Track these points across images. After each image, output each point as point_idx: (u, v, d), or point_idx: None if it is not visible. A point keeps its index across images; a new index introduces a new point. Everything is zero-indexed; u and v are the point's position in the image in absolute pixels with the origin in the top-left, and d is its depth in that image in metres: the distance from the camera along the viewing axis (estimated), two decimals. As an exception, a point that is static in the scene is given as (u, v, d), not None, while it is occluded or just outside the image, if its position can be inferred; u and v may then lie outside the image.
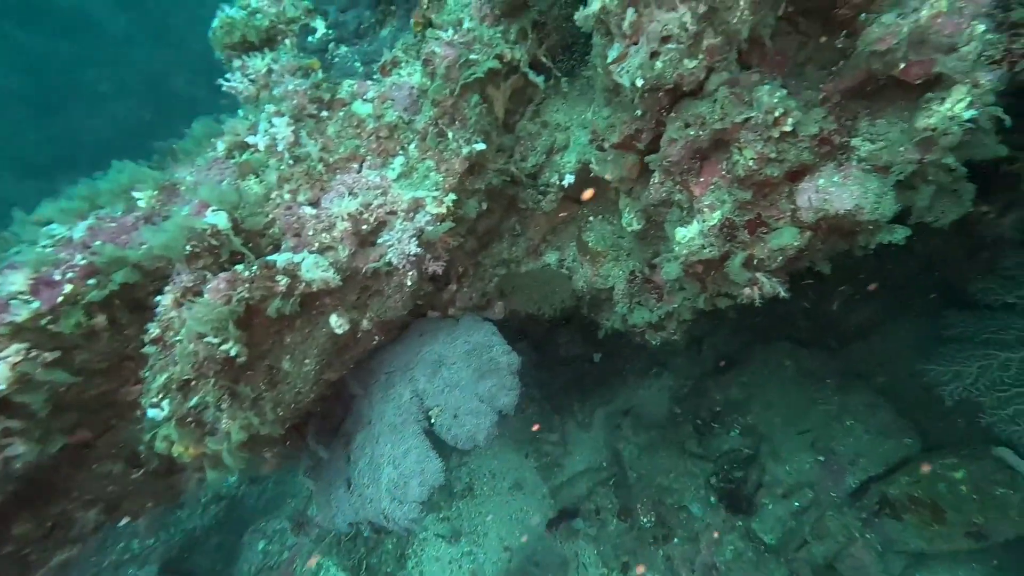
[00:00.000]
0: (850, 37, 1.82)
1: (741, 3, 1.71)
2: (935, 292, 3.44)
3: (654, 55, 1.89)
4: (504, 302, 3.27)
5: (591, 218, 3.08)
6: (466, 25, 2.36)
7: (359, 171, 2.35)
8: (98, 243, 2.06)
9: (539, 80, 2.51)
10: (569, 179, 2.75)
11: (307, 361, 2.39)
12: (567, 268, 3.19)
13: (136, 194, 2.20)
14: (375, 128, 2.39)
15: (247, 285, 1.95)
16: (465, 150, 2.43)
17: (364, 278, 2.33)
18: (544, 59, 2.48)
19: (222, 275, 1.92)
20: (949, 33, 1.59)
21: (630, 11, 1.81)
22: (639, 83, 1.95)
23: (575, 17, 1.93)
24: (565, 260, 3.19)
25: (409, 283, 2.48)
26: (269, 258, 2.07)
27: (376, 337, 2.61)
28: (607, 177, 2.52)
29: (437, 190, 2.44)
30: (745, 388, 4.61)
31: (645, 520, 4.19)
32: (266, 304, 2.06)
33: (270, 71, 2.31)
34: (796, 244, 2.11)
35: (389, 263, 2.32)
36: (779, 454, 4.27)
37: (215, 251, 1.98)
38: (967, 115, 1.68)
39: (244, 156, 2.28)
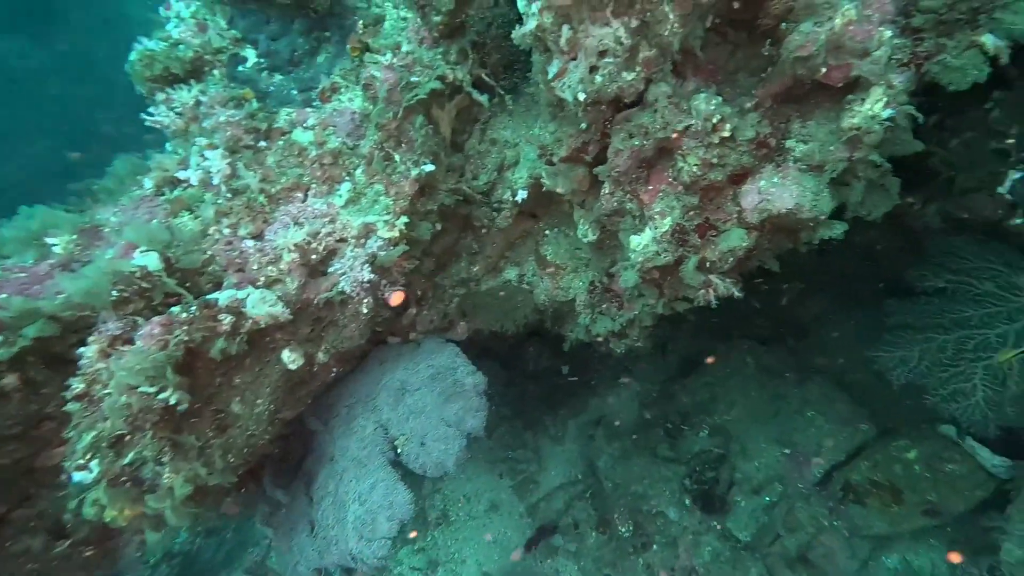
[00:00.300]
0: (775, 45, 1.91)
1: (671, 16, 1.76)
2: (877, 283, 3.62)
3: (593, 69, 1.93)
4: (466, 322, 3.23)
5: (548, 232, 3.09)
6: (405, 48, 2.34)
7: (304, 200, 2.28)
8: (3, 296, 1.89)
9: (483, 99, 2.51)
10: (522, 195, 2.75)
11: (259, 401, 2.26)
12: (527, 283, 3.18)
13: (51, 240, 2.04)
14: (318, 155, 2.32)
15: (185, 327, 1.83)
16: (414, 172, 2.40)
17: (317, 309, 2.24)
18: (487, 78, 2.49)
19: (156, 319, 1.80)
20: (861, 39, 1.69)
21: (565, 28, 1.84)
22: (581, 97, 1.98)
23: (513, 36, 1.95)
24: (525, 275, 3.18)
25: (365, 311, 2.41)
26: (209, 296, 1.95)
27: (334, 369, 2.50)
28: (559, 191, 2.54)
29: (388, 214, 2.39)
30: (710, 388, 4.69)
31: (623, 530, 4.16)
32: (209, 345, 1.94)
33: (198, 103, 2.22)
34: (745, 245, 2.18)
35: (342, 292, 2.25)
36: (747, 451, 4.35)
37: (146, 294, 1.85)
38: (886, 114, 1.78)
39: (176, 192, 2.17)
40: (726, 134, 1.99)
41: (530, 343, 4.92)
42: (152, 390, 1.73)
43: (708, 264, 2.27)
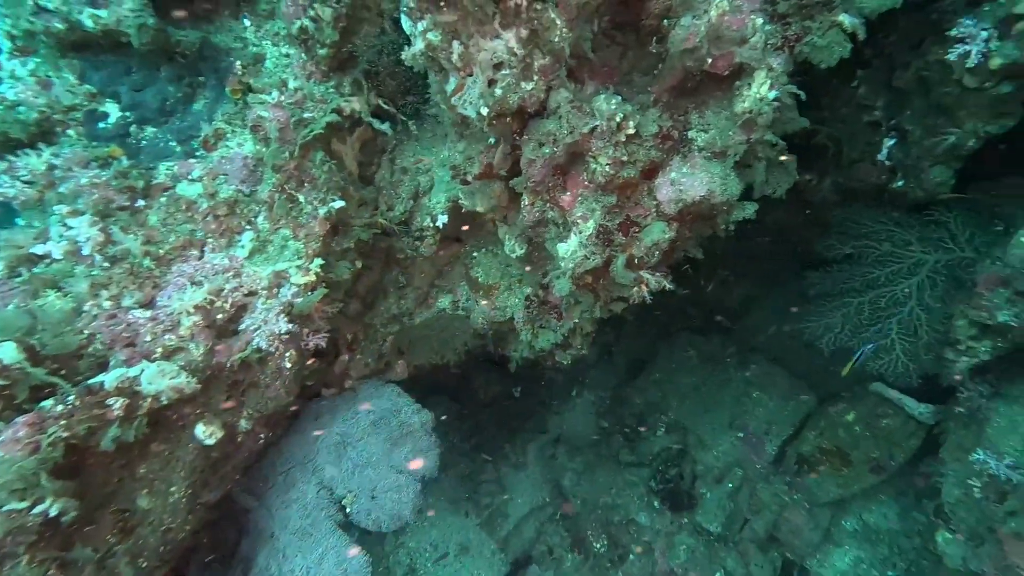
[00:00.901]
0: (661, 42, 1.97)
1: (559, 22, 1.77)
2: (793, 259, 3.83)
3: (492, 83, 1.90)
4: (405, 360, 3.05)
5: (476, 254, 3.01)
6: (293, 84, 2.22)
7: (201, 257, 2.05)
8: None
9: (385, 127, 2.42)
10: (442, 219, 2.66)
11: (173, 489, 1.97)
12: (463, 309, 3.07)
13: None
14: (211, 207, 2.12)
15: (63, 422, 1.55)
16: (322, 211, 2.24)
17: (232, 373, 2.01)
18: (386, 106, 2.41)
19: (20, 420, 1.51)
20: (736, 28, 1.77)
21: (455, 44, 1.79)
22: (484, 111, 1.94)
23: (402, 58, 1.88)
24: (459, 301, 3.06)
25: (288, 365, 2.19)
26: (92, 381, 1.68)
27: (262, 435, 2.25)
28: (479, 209, 2.48)
29: (300, 259, 2.21)
30: (659, 386, 4.75)
31: (598, 546, 4.05)
32: (98, 437, 1.66)
33: (51, 168, 1.97)
34: (667, 237, 2.20)
35: (258, 349, 2.03)
36: (704, 442, 4.41)
37: (5, 392, 1.56)
38: (772, 95, 1.87)
39: (36, 270, 1.89)
40: (631, 131, 2.02)
41: (477, 370, 4.78)
42: (23, 505, 1.43)
43: (637, 261, 2.27)
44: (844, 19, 1.77)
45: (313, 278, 2.15)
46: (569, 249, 2.29)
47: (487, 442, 4.90)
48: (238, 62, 2.20)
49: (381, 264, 2.77)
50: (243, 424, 2.07)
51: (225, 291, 1.96)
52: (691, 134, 2.14)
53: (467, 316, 3.03)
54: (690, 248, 2.44)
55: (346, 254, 2.40)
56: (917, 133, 2.45)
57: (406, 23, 1.79)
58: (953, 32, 2.03)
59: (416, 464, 2.38)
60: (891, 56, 2.49)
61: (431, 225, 2.68)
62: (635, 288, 2.38)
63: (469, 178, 2.31)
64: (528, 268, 2.79)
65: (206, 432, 1.96)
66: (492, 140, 2.15)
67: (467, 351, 3.44)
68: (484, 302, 2.98)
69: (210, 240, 2.09)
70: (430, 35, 1.75)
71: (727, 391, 4.48)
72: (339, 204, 2.25)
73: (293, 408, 2.51)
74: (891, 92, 2.54)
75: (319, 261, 2.18)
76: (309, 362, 2.32)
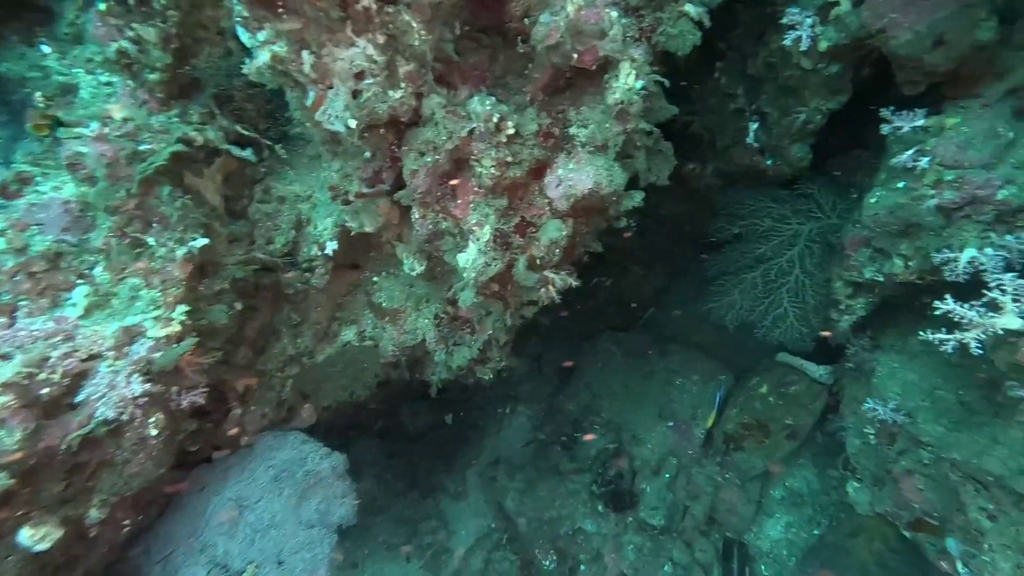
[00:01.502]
0: (527, 42, 1.96)
1: (415, 25, 1.69)
2: (692, 246, 4.01)
3: (356, 94, 1.78)
4: (311, 403, 2.77)
5: (376, 279, 2.83)
6: (121, 115, 1.95)
7: (11, 324, 1.71)
8: None
9: (247, 154, 2.20)
10: (332, 246, 2.47)
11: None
12: (370, 339, 2.86)
13: None
14: (21, 264, 1.79)
15: None
16: (181, 251, 1.98)
17: (70, 456, 1.66)
18: (246, 132, 2.19)
19: None
20: (594, 22, 1.79)
21: (305, 55, 1.66)
22: (352, 124, 1.81)
23: (245, 71, 1.71)
24: (365, 331, 2.85)
25: (155, 432, 1.87)
26: None
27: (127, 522, 1.89)
28: (368, 229, 2.32)
29: (157, 308, 1.92)
30: (589, 389, 4.75)
31: (548, 563, 3.91)
32: None
33: None
34: (564, 234, 2.17)
35: (106, 420, 1.70)
36: (638, 437, 4.44)
37: None
38: (639, 85, 1.91)
39: None
40: (511, 131, 1.98)
41: (402, 403, 4.52)
42: None
43: (538, 261, 2.22)
44: (689, 8, 1.85)
45: (178, 328, 1.87)
46: (469, 258, 2.20)
47: (422, 478, 4.63)
48: (38, 93, 1.90)
49: (269, 303, 2.50)
50: (94, 514, 1.72)
51: (52, 359, 1.63)
52: (572, 131, 2.15)
53: (376, 346, 2.83)
54: (589, 243, 2.44)
55: (221, 296, 2.14)
56: (775, 115, 2.65)
57: (243, 35, 1.63)
58: (784, 20, 2.22)
59: (331, 513, 2.13)
60: (741, 47, 2.69)
61: (320, 254, 2.48)
62: (542, 289, 2.33)
63: (351, 197, 2.15)
64: (432, 285, 2.65)
65: (35, 536, 1.60)
66: (368, 154, 2.01)
67: (380, 383, 3.22)
68: (392, 328, 2.79)
69: (23, 303, 1.75)
70: (274, 47, 1.60)
71: (653, 383, 4.58)
72: (201, 242, 1.99)
73: (173, 481, 2.16)
74: (748, 80, 2.74)
75: (183, 308, 1.90)
76: (186, 425, 2.01)
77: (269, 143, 2.25)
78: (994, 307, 1.85)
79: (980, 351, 1.89)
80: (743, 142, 2.87)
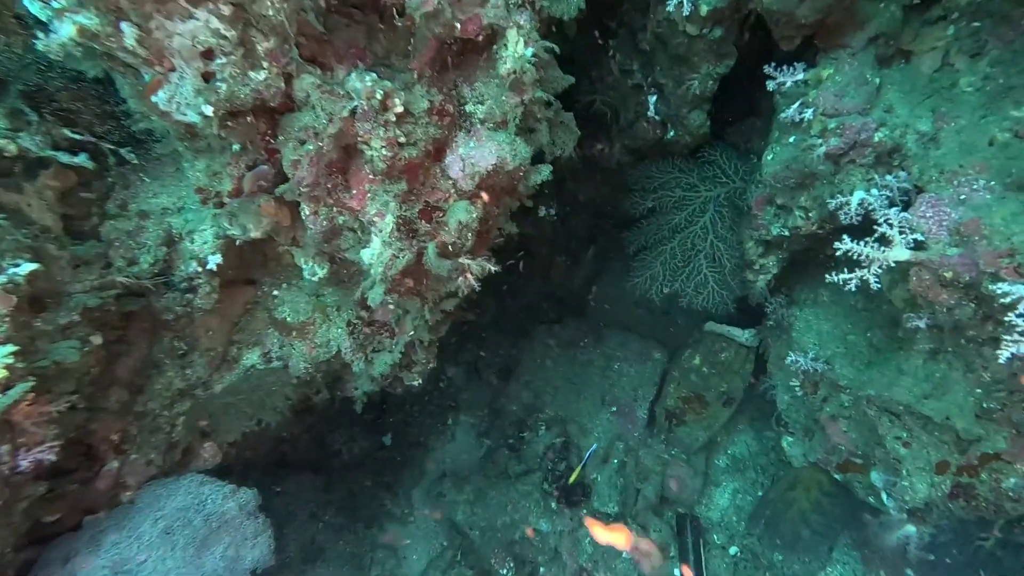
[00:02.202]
0: (404, 16, 1.83)
1: (267, -10, 1.51)
2: (613, 228, 4.04)
3: (207, 76, 1.56)
4: (212, 439, 2.44)
5: (276, 292, 2.56)
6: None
7: None
8: None
9: (81, 161, 1.89)
10: (215, 260, 2.19)
11: None
12: (278, 358, 2.57)
13: None
14: None
15: None
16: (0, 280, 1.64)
17: None
18: (77, 135, 1.89)
19: None
20: (473, -16, 1.70)
21: (126, 28, 1.42)
22: (208, 111, 1.59)
23: (40, 48, 1.42)
24: (271, 351, 2.57)
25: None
26: None
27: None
28: (255, 235, 2.08)
29: (-27, 351, 1.58)
30: (529, 386, 4.65)
31: (505, 571, 3.73)
32: None
33: None
34: (473, 215, 2.04)
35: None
36: (583, 427, 4.39)
37: None
38: (528, 52, 1.84)
39: None
40: (399, 109, 1.83)
41: (332, 429, 4.19)
42: None
43: (450, 247, 2.08)
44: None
45: (3, 373, 1.54)
46: (374, 253, 2.02)
47: (364, 507, 4.31)
48: None
49: (144, 333, 2.18)
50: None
51: None
52: (469, 108, 2.04)
53: (285, 366, 2.55)
54: (503, 225, 2.33)
55: (69, 331, 1.81)
56: (670, 85, 2.69)
57: (32, 5, 1.36)
58: (665, -11, 2.26)
59: (241, 558, 1.84)
60: (631, 23, 2.72)
61: (201, 271, 2.19)
62: (459, 279, 2.19)
63: (226, 199, 1.91)
64: (339, 290, 2.44)
65: None
66: (237, 147, 1.79)
67: (302, 410, 2.94)
68: (301, 344, 2.53)
69: None
70: (80, 17, 1.35)
71: (592, 371, 4.55)
72: (28, 268, 1.67)
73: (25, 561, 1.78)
74: (641, 54, 2.78)
75: (10, 348, 1.58)
76: (31, 490, 1.67)
77: (112, 147, 1.94)
78: (885, 241, 1.93)
79: (879, 286, 1.97)
80: (645, 116, 2.90)
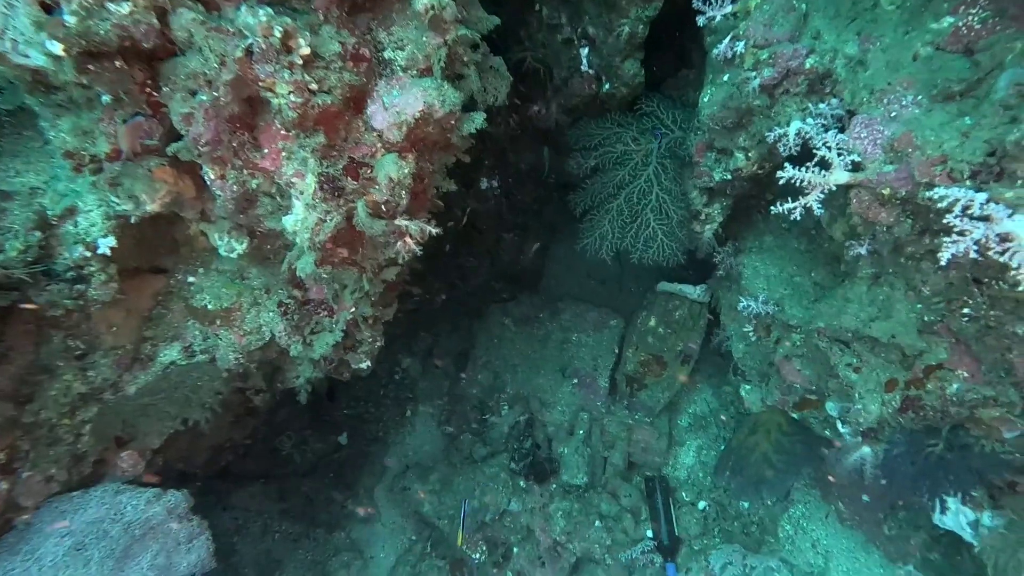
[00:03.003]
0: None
1: None
2: (557, 193, 3.95)
3: (47, 7, 1.32)
4: (132, 446, 2.17)
5: (192, 278, 2.30)
6: None
7: None
8: None
9: None
10: (107, 243, 1.91)
11: None
12: (202, 352, 2.32)
13: None
14: None
15: None
16: None
17: None
18: None
19: None
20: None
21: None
22: (57, 49, 1.34)
23: None
24: (193, 344, 2.31)
25: None
26: None
27: None
28: (151, 208, 1.83)
29: None
30: (488, 368, 4.53)
31: (478, 556, 3.61)
32: None
33: None
34: (405, 170, 1.87)
35: None
36: (546, 402, 4.32)
37: None
38: (445, -19, 1.69)
39: None
40: (305, 51, 1.64)
41: (275, 431, 3.91)
42: None
43: (383, 207, 1.90)
44: None
45: None
46: (297, 219, 1.82)
47: (323, 512, 4.06)
48: None
49: (28, 335, 1.88)
50: None
51: None
52: (388, 55, 1.87)
53: (212, 359, 2.30)
54: (439, 182, 2.17)
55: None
56: (600, 35, 2.62)
57: None
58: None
59: (174, 565, 1.62)
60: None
61: (90, 256, 1.91)
62: (398, 243, 2.02)
63: (104, 164, 1.65)
64: (264, 268, 2.21)
65: None
66: (108, 99, 1.54)
67: (244, 415, 2.69)
68: (228, 333, 2.29)
69: None
70: None
71: (550, 345, 4.48)
72: None
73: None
74: (568, 5, 2.68)
75: None
76: None
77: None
78: (825, 165, 1.93)
79: (820, 211, 1.96)
80: (579, 71, 2.81)
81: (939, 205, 1.57)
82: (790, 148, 2.13)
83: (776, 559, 3.42)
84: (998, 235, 1.44)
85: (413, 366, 4.77)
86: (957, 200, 1.51)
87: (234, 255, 2.01)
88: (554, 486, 3.90)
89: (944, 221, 1.53)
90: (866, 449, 2.29)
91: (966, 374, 1.92)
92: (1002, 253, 1.45)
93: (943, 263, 1.53)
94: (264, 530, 3.83)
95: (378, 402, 4.62)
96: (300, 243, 1.86)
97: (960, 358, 1.94)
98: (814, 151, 1.94)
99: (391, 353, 4.76)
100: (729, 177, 2.61)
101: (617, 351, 4.32)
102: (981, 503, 2.07)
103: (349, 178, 1.84)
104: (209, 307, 2.27)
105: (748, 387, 3.38)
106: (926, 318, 2.00)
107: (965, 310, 1.84)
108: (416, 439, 4.55)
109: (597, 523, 3.70)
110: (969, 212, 1.49)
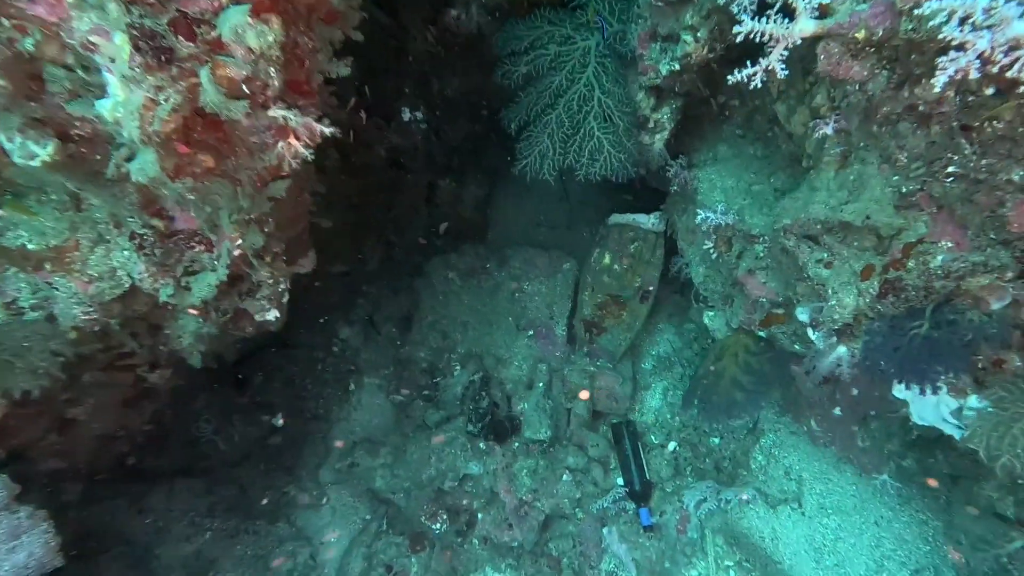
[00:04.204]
0: None
1: None
2: (494, 125, 3.54)
3: None
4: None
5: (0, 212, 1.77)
6: None
7: None
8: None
9: None
10: None
11: None
12: (36, 306, 1.81)
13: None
14: None
15: None
16: None
17: None
18: None
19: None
20: None
21: None
22: None
23: None
24: (18, 298, 1.79)
25: None
26: None
27: None
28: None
29: None
30: (435, 327, 4.14)
31: (439, 526, 3.28)
32: None
33: None
34: (269, 38, 1.42)
35: None
36: (502, 358, 3.99)
37: None
38: None
39: None
40: None
41: (188, 417, 3.41)
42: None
43: (244, 86, 1.46)
44: None
45: None
46: (116, 100, 1.35)
47: (260, 502, 3.61)
48: None
49: None
50: None
51: None
52: None
53: (48, 314, 1.80)
54: (327, 66, 1.73)
55: None
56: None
57: None
58: None
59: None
60: None
61: None
62: (279, 144, 1.58)
63: None
64: (102, 188, 1.71)
65: None
66: None
67: (67, 362, 2.17)
68: (67, 280, 1.79)
69: None
70: None
71: (500, 296, 4.13)
72: None
73: None
74: None
75: None
76: None
77: None
78: (789, 12, 1.62)
79: (786, 73, 1.66)
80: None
81: (930, 24, 1.29)
82: (746, 7, 1.82)
83: (751, 489, 3.26)
84: (1007, 42, 1.17)
85: (353, 336, 4.32)
86: (954, 10, 1.23)
87: (36, 163, 1.50)
88: (516, 444, 3.60)
89: (940, 37, 1.24)
90: (841, 349, 2.08)
91: (950, 244, 1.70)
92: (1011, 65, 1.18)
93: (938, 88, 1.25)
94: (192, 530, 3.34)
95: (317, 378, 4.16)
96: (128, 134, 1.39)
97: (943, 228, 1.71)
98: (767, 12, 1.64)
99: (328, 324, 4.29)
100: (678, 67, 2.30)
101: (572, 296, 4.03)
102: (964, 389, 1.89)
103: (181, 38, 1.37)
104: (30, 247, 1.74)
105: (711, 313, 3.15)
106: (903, 189, 1.76)
107: (950, 168, 1.60)
108: (363, 413, 4.14)
109: (565, 477, 3.43)
110: (971, 21, 1.21)
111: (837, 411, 2.77)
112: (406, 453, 3.64)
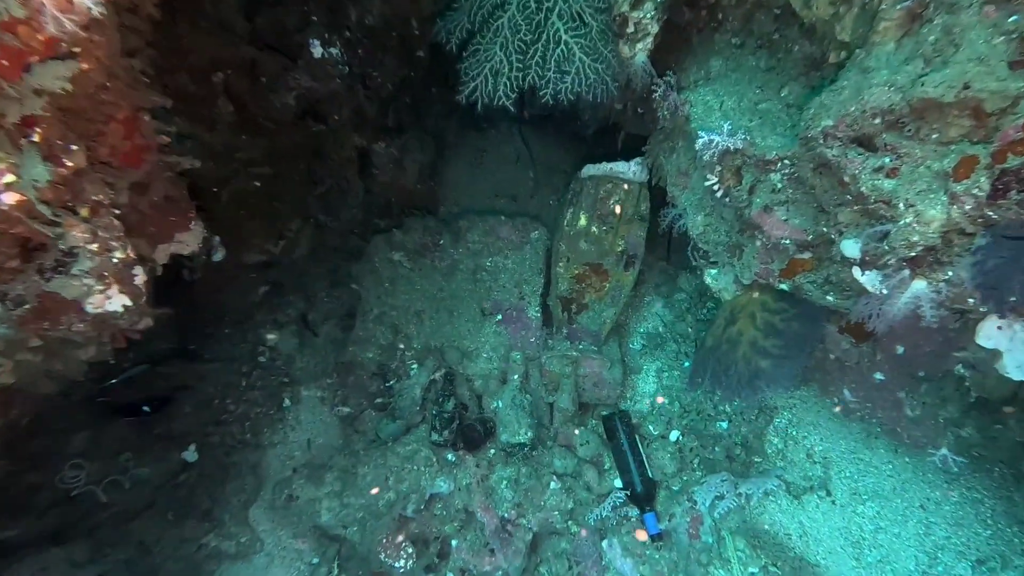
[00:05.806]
0: None
1: None
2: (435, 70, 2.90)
3: None
4: None
5: None
6: None
7: None
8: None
9: None
10: None
11: None
12: None
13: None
14: None
15: None
16: None
17: None
18: None
19: None
20: None
21: None
22: None
23: None
24: None
25: None
26: None
27: None
28: None
29: None
30: (387, 320, 3.45)
31: (403, 563, 2.59)
32: None
33: None
34: None
35: None
36: (467, 351, 3.35)
37: None
38: None
39: None
40: None
41: (52, 459, 2.59)
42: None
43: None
44: None
45: None
46: None
47: (172, 556, 2.83)
48: None
49: None
50: None
51: None
52: None
53: None
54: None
55: None
56: None
57: None
58: None
59: None
60: None
61: None
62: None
63: None
64: None
65: None
66: None
67: None
68: None
69: None
70: None
71: (459, 277, 3.48)
72: None
73: None
74: None
75: None
76: None
77: None
78: None
79: None
80: None
81: None
82: None
83: (774, 480, 2.74)
84: None
85: (283, 341, 3.57)
86: None
87: None
88: (492, 451, 2.96)
89: None
90: (918, 285, 1.54)
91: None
92: None
93: None
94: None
95: (240, 396, 3.38)
96: None
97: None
98: None
99: (248, 330, 3.52)
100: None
101: (545, 270, 3.43)
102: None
103: None
104: None
105: (715, 271, 2.60)
106: None
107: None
108: (301, 432, 3.40)
109: (553, 485, 2.82)
110: None
111: (878, 375, 2.28)
112: (357, 476, 2.93)
